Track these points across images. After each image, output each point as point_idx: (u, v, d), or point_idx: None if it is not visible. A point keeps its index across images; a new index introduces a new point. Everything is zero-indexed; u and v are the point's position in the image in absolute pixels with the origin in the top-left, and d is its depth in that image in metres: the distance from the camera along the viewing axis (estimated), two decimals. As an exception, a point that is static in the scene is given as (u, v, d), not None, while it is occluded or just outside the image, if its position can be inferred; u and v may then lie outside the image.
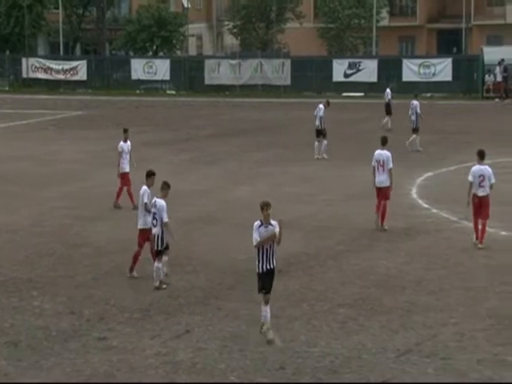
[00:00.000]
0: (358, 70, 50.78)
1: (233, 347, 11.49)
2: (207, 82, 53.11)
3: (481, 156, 16.80)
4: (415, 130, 29.59)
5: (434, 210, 19.60)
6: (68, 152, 29.69)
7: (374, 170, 17.93)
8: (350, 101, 46.93)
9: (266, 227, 11.39)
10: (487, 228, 16.75)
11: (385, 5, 61.35)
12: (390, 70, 50.09)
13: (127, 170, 20.38)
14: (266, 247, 11.46)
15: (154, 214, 14.06)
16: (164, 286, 13.98)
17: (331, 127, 36.14)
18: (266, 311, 11.68)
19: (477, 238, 16.63)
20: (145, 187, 14.78)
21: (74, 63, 56.02)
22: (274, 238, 11.45)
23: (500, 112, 41.50)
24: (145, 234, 14.54)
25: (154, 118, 40.79)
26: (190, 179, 24.05)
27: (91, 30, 63.62)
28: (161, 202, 14.02)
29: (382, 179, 17.90)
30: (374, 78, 50.33)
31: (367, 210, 19.84)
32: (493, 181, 16.56)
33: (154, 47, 58.88)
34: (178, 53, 60.72)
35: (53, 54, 61.01)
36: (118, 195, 20.40)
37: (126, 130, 20.81)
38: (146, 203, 14.55)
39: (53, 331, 12.09)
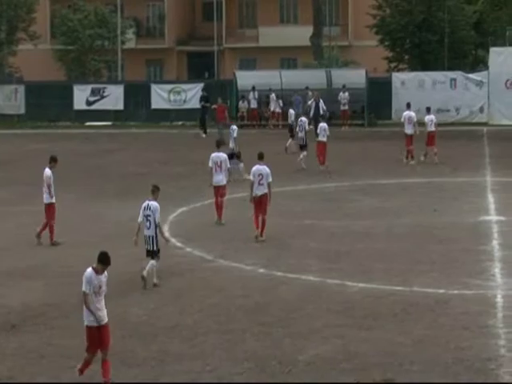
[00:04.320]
0: (103, 97, 50.97)
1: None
2: None
3: (260, 157, 20.76)
4: (303, 147, 31.54)
5: (188, 249, 20.08)
6: None
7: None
8: (95, 131, 46.93)
9: None
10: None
11: (130, 25, 61.95)
12: (137, 96, 50.72)
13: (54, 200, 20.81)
14: None
15: (148, 216, 16.57)
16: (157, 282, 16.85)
17: (74, 160, 35.89)
18: None
19: (257, 231, 20.23)
20: (90, 270, 12.04)
21: None
22: None
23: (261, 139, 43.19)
24: (95, 333, 11.94)
25: None
26: None
27: None
28: (155, 204, 16.62)
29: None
30: (120, 106, 50.75)
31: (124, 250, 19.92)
32: (270, 179, 20.36)
33: None
34: None
35: None
36: (51, 230, 20.57)
37: (55, 159, 21.04)
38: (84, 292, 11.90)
39: None
